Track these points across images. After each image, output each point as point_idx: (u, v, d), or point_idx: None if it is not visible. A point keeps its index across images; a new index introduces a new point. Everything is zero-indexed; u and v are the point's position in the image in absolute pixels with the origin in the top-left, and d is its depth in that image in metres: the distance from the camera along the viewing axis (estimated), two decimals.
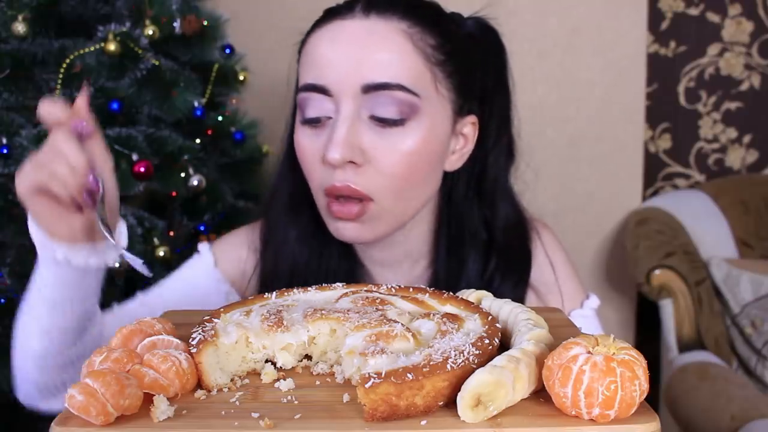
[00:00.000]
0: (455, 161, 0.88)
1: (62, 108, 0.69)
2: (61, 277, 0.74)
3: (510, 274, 0.92)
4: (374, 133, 0.79)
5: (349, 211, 0.81)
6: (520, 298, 0.92)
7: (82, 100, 0.71)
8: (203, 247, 0.98)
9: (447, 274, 0.91)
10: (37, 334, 0.76)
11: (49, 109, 0.68)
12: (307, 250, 0.92)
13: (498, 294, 0.89)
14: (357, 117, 0.79)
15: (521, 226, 0.95)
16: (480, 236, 0.92)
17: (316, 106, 0.81)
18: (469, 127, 0.88)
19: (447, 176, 0.90)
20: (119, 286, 1.37)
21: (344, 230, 0.83)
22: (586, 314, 0.96)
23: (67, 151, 0.67)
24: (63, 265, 0.73)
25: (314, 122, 0.81)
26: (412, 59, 0.79)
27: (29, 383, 0.81)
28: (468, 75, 0.86)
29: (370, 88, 0.78)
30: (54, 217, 0.70)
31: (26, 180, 0.68)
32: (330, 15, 0.83)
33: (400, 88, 0.78)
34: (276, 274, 0.92)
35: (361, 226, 0.83)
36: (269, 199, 0.96)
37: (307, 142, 0.82)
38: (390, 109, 0.78)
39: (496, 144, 0.92)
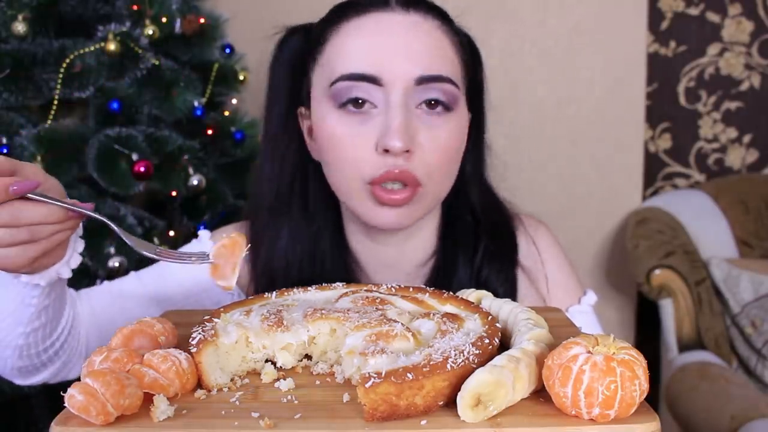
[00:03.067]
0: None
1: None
2: (49, 288, 0.75)
3: (498, 255, 0.94)
4: (422, 122, 0.82)
5: (400, 198, 0.81)
6: (511, 279, 0.94)
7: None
8: (203, 234, 0.98)
9: (445, 264, 0.93)
10: (21, 334, 0.77)
11: None
12: (299, 245, 0.91)
13: (488, 275, 0.91)
14: (407, 106, 0.81)
15: (500, 207, 0.99)
16: (468, 221, 0.95)
17: (359, 94, 0.81)
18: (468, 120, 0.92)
19: None
20: None
21: (386, 217, 0.83)
22: (584, 310, 0.96)
23: (28, 219, 0.63)
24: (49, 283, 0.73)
25: (357, 106, 0.81)
26: (453, 55, 0.84)
27: (9, 368, 0.82)
28: (472, 72, 0.90)
29: (424, 80, 0.80)
30: (36, 264, 0.68)
31: (22, 259, 0.65)
32: (362, 7, 0.83)
33: (450, 81, 0.82)
34: (270, 273, 0.92)
35: (403, 211, 0.83)
36: (256, 199, 0.95)
37: (348, 131, 0.82)
38: (440, 100, 0.82)
39: (475, 146, 0.95)
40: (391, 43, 0.80)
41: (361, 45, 0.81)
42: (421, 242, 0.94)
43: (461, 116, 0.85)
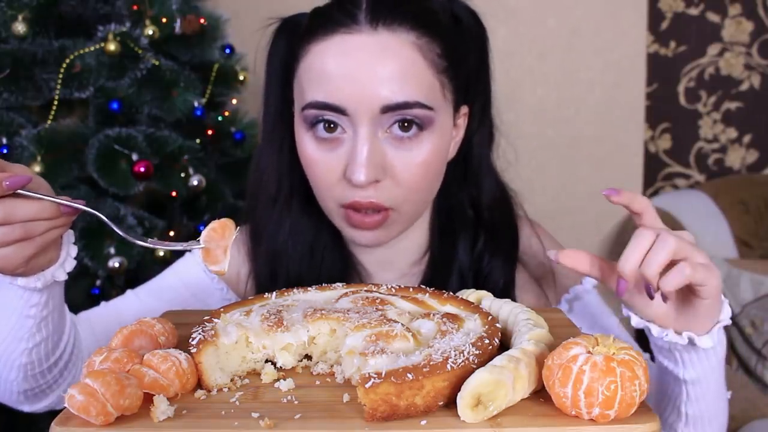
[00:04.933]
0: (452, 151, 0.90)
1: None
2: (46, 295, 0.74)
3: (499, 250, 0.93)
4: (392, 148, 0.80)
5: (371, 221, 0.82)
6: (510, 274, 0.93)
7: None
8: (198, 251, 0.98)
9: (441, 258, 0.93)
10: (24, 351, 0.77)
11: None
12: (299, 241, 0.92)
13: (488, 270, 0.91)
14: (374, 135, 0.79)
15: (506, 201, 0.97)
16: (467, 215, 0.94)
17: (328, 121, 0.81)
18: (462, 117, 0.90)
19: None
20: (119, 286, 1.37)
21: (362, 238, 0.85)
22: (587, 289, 0.96)
23: (21, 215, 0.63)
24: (48, 286, 0.73)
25: (329, 130, 0.81)
26: (425, 73, 0.80)
27: (16, 392, 0.81)
28: (462, 71, 0.87)
29: (390, 108, 0.78)
30: (32, 264, 0.68)
31: (18, 258, 0.65)
32: (331, 25, 0.80)
33: (418, 105, 0.79)
34: (270, 271, 0.92)
35: (380, 231, 0.84)
36: (256, 195, 0.95)
37: (319, 156, 0.82)
38: (408, 125, 0.79)
39: (480, 125, 0.93)
40: (355, 71, 0.77)
41: (326, 72, 0.79)
42: (413, 240, 0.94)
43: (439, 131, 0.82)
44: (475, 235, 0.93)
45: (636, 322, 0.68)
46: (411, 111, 0.78)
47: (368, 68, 0.77)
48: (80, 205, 0.66)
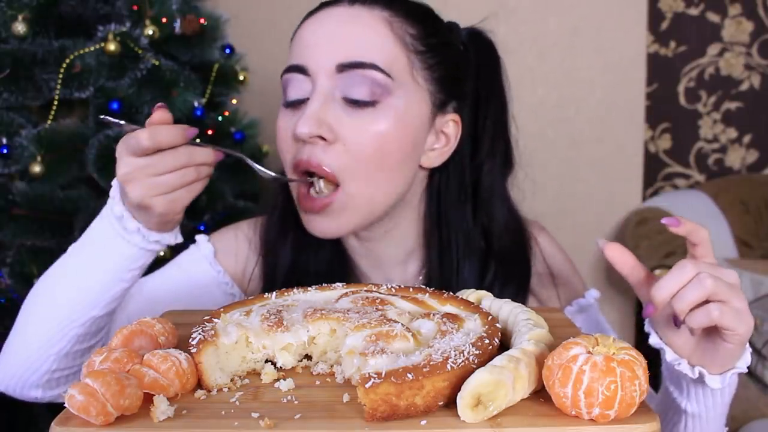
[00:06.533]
0: (434, 158, 0.88)
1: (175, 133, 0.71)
2: (149, 259, 0.81)
3: (510, 282, 0.91)
4: (345, 113, 0.81)
5: (319, 204, 0.82)
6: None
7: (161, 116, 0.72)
8: (201, 238, 0.98)
9: (440, 279, 0.91)
10: (87, 321, 0.79)
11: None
12: (302, 251, 0.93)
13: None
14: (330, 96, 0.81)
15: (519, 233, 0.95)
16: (477, 244, 0.91)
17: (295, 87, 0.83)
18: (451, 125, 0.88)
19: (434, 178, 0.90)
20: None
21: (313, 223, 0.85)
22: (590, 303, 0.96)
23: (199, 159, 0.73)
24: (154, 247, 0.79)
25: (294, 104, 0.83)
26: (389, 43, 0.82)
27: (42, 373, 0.81)
28: (453, 73, 0.87)
29: (345, 67, 0.80)
30: (171, 218, 0.76)
31: (185, 200, 0.74)
32: (320, 6, 0.86)
33: (374, 67, 0.80)
34: (277, 273, 0.93)
35: (328, 219, 0.83)
36: (272, 203, 0.97)
37: (283, 123, 0.85)
38: (363, 89, 0.80)
39: (492, 152, 0.92)
40: (322, 35, 0.82)
41: (301, 39, 0.84)
42: (397, 239, 0.92)
43: (399, 108, 0.81)
44: (485, 265, 0.92)
45: (654, 341, 0.67)
46: (367, 72, 0.80)
47: (332, 32, 0.81)
48: (236, 153, 0.78)
